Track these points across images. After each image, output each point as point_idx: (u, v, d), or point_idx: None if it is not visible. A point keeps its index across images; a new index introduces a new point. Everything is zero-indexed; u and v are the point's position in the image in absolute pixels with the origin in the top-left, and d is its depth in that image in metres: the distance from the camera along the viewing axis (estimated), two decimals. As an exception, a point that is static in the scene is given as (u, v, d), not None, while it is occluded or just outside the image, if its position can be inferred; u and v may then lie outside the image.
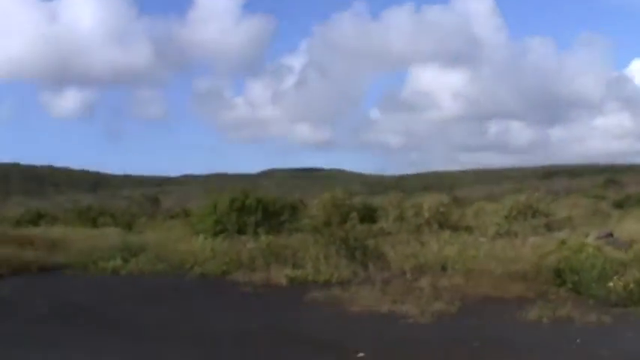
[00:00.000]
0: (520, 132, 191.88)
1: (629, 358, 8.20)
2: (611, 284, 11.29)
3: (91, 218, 31.86)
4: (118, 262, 17.30)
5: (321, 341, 9.05)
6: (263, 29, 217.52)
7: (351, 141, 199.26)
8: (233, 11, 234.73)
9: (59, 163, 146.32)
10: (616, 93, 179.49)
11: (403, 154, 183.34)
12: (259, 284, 14.25)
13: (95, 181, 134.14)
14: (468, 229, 20.84)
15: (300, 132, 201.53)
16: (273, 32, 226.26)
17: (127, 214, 36.69)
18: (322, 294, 12.42)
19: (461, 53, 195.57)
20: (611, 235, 18.37)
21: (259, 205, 21.97)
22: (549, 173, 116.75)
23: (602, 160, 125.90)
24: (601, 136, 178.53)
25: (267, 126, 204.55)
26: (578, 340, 8.70)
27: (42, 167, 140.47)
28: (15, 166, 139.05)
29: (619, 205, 39.78)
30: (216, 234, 20.40)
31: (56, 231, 25.16)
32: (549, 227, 22.23)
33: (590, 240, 16.82)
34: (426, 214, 21.05)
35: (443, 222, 21.20)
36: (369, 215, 22.82)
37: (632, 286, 11.09)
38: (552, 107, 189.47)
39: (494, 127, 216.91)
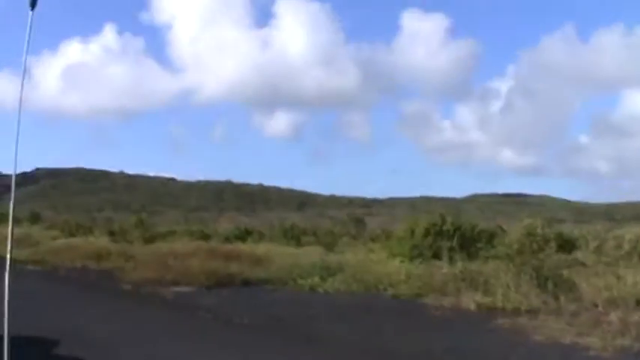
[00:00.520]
0: None
1: None
2: None
3: (294, 236, 33.49)
4: (316, 280, 18.28)
5: (496, 366, 9.42)
6: (469, 53, 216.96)
7: (558, 167, 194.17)
8: (438, 36, 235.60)
9: (269, 182, 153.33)
10: None
11: (613, 181, 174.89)
12: (448, 308, 14.64)
13: (302, 200, 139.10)
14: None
15: (507, 157, 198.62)
16: (479, 56, 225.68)
17: (329, 234, 38.07)
18: (508, 321, 12.64)
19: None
20: None
21: (456, 230, 22.19)
22: None
23: None
24: None
25: (473, 150, 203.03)
26: None
27: (253, 185, 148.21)
28: (228, 184, 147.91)
29: None
30: (412, 258, 20.93)
31: (261, 247, 26.95)
32: None
33: None
34: (626, 246, 20.32)
35: (645, 255, 20.30)
36: (568, 244, 22.35)
37: None
38: None
39: None
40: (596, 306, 13.65)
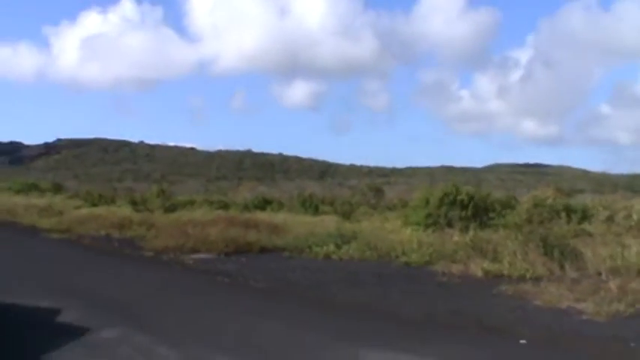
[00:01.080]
0: None
1: None
2: None
3: (313, 206, 34.06)
4: (331, 247, 18.85)
5: (492, 326, 10.09)
6: (487, 22, 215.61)
7: (578, 137, 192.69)
8: (457, 4, 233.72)
9: (289, 151, 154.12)
10: None
11: (634, 151, 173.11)
12: (456, 275, 15.21)
13: (322, 170, 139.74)
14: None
15: (526, 127, 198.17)
16: (498, 25, 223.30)
17: (346, 203, 38.59)
18: (512, 287, 13.22)
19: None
20: None
21: (471, 200, 22.61)
22: None
23: None
24: None
25: (493, 120, 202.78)
26: None
27: (272, 155, 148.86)
28: (248, 154, 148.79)
29: None
30: (426, 226, 21.45)
31: (279, 217, 27.59)
32: None
33: None
34: (635, 217, 20.71)
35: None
36: (578, 214, 22.71)
37: None
38: None
39: None
40: (600, 274, 14.11)
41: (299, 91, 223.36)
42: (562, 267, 14.99)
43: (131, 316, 10.63)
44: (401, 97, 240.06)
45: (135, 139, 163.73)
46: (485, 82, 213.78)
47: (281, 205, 36.46)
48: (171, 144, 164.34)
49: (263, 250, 19.68)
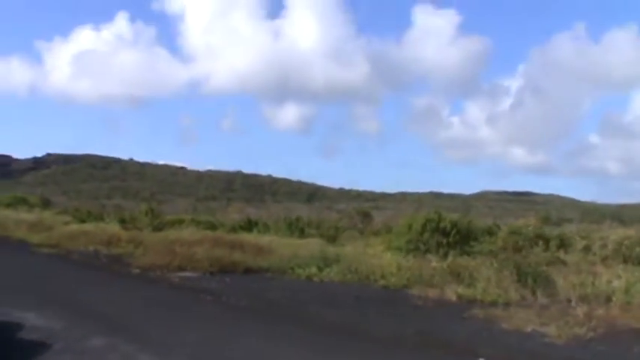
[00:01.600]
0: None
1: None
2: None
3: (299, 228, 34.49)
4: (313, 270, 19.33)
5: (455, 346, 10.72)
6: (479, 50, 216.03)
7: (567, 166, 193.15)
8: (449, 32, 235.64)
9: (278, 173, 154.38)
10: None
11: (623, 182, 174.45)
12: (432, 299, 15.78)
13: (311, 193, 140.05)
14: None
15: (516, 155, 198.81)
16: (489, 53, 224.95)
17: (332, 227, 38.98)
18: (483, 312, 13.81)
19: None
20: None
21: (453, 227, 23.13)
22: None
23: None
24: None
25: (482, 147, 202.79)
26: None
27: (262, 176, 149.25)
28: (237, 174, 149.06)
29: None
30: (407, 252, 21.97)
31: (265, 238, 28.02)
32: None
33: None
34: (610, 247, 21.35)
35: (628, 256, 21.31)
36: (555, 243, 23.31)
37: None
38: None
39: None
40: (570, 301, 14.68)
41: (290, 114, 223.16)
42: (534, 293, 15.54)
43: (119, 328, 11.22)
44: (391, 123, 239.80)
45: (125, 157, 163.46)
46: (475, 110, 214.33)
47: (267, 227, 36.84)
48: (161, 162, 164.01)
49: (247, 270, 20.13)
